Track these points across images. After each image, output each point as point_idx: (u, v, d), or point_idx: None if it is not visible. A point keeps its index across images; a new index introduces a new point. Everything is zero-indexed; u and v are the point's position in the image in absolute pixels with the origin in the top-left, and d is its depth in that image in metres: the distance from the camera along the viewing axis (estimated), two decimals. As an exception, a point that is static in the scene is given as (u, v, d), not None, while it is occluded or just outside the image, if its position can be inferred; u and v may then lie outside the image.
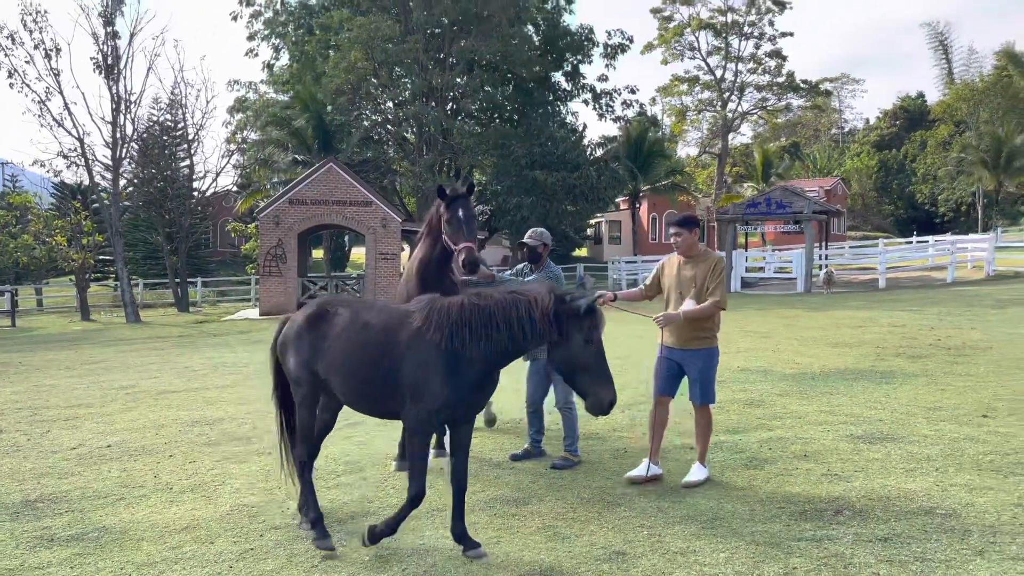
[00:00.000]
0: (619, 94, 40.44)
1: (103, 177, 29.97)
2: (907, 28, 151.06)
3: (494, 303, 4.12)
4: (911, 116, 77.54)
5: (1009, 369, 9.39)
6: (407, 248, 36.20)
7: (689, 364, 5.44)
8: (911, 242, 42.11)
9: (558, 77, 39.77)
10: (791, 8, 54.35)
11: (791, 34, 55.74)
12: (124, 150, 29.66)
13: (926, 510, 4.65)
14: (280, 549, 4.49)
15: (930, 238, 40.22)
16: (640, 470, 5.53)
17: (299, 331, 4.68)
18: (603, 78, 40.53)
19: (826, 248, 33.54)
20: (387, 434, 6.76)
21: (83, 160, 28.51)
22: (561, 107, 40.35)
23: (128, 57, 28.79)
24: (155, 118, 39.71)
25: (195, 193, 35.97)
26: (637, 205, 46.37)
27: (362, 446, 6.88)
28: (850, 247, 41.01)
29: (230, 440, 7.27)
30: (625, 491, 5.33)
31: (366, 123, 37.50)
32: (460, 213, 5.43)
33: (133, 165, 33.04)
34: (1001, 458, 5.67)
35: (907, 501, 4.82)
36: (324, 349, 4.53)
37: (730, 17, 54.99)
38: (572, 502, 5.13)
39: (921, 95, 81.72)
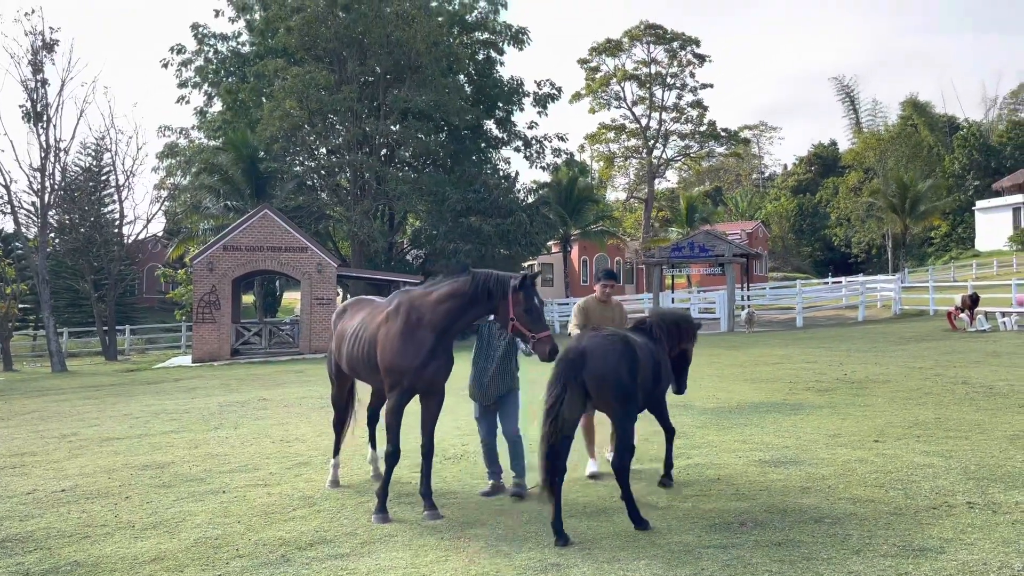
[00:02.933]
0: (549, 142, 41.82)
1: (31, 222, 29.52)
2: (822, 77, 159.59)
3: (671, 316, 6.74)
4: (825, 162, 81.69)
5: (903, 399, 10.39)
6: (341, 292, 36.39)
7: None
8: (827, 283, 44.32)
9: (490, 125, 40.94)
10: (711, 61, 57.23)
11: (711, 85, 58.64)
12: (52, 197, 29.32)
13: (816, 520, 5.39)
14: (247, 574, 4.92)
15: (843, 279, 42.43)
16: (591, 467, 7.10)
17: (635, 355, 5.70)
18: (533, 125, 41.88)
19: (748, 289, 35.11)
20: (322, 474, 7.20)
21: (10, 208, 28.11)
22: (493, 154, 41.46)
23: (58, 104, 28.61)
24: (82, 163, 39.20)
25: (125, 239, 35.55)
26: (568, 249, 47.67)
27: (311, 483, 7.30)
28: (770, 288, 42.92)
29: (184, 481, 7.59)
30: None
31: (299, 169, 37.82)
32: (536, 302, 5.93)
33: (59, 212, 32.58)
34: (884, 476, 6.48)
35: (800, 513, 5.56)
36: (645, 366, 5.88)
37: (653, 69, 57.57)
38: (511, 525, 5.70)
39: (833, 143, 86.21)
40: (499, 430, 6.81)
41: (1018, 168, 66.35)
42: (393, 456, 6.06)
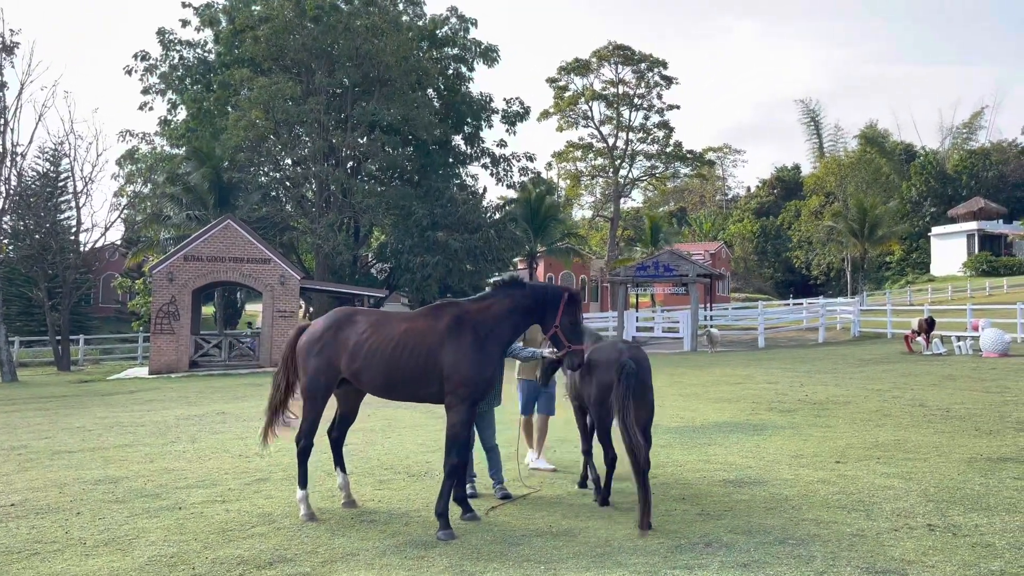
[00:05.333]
0: (517, 160, 41.92)
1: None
2: (786, 103, 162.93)
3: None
4: (787, 185, 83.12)
5: (863, 421, 10.52)
6: (304, 304, 35.95)
7: (538, 388, 7.84)
8: (788, 304, 44.92)
9: (458, 140, 40.95)
10: (677, 83, 58.00)
11: (678, 107, 59.33)
12: (6, 203, 28.63)
13: (780, 540, 5.40)
14: (203, 594, 4.78)
15: (804, 301, 43.05)
16: (539, 463, 8.04)
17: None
18: (501, 143, 41.79)
19: (711, 309, 35.42)
20: (293, 486, 7.05)
21: (-37, 212, 27.35)
22: (461, 169, 41.45)
23: (16, 108, 27.97)
24: (40, 169, 38.39)
25: (82, 247, 34.78)
26: (534, 265, 47.71)
27: (270, 499, 7.14)
28: (733, 308, 43.38)
29: (137, 496, 7.37)
30: (524, 532, 5.87)
31: (264, 180, 37.43)
32: (579, 316, 6.33)
33: (14, 218, 31.81)
34: (847, 497, 6.53)
35: (765, 534, 5.57)
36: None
37: (621, 89, 58.13)
38: (476, 544, 5.62)
39: (796, 166, 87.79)
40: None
41: (972, 196, 68.22)
42: (461, 467, 6.24)
